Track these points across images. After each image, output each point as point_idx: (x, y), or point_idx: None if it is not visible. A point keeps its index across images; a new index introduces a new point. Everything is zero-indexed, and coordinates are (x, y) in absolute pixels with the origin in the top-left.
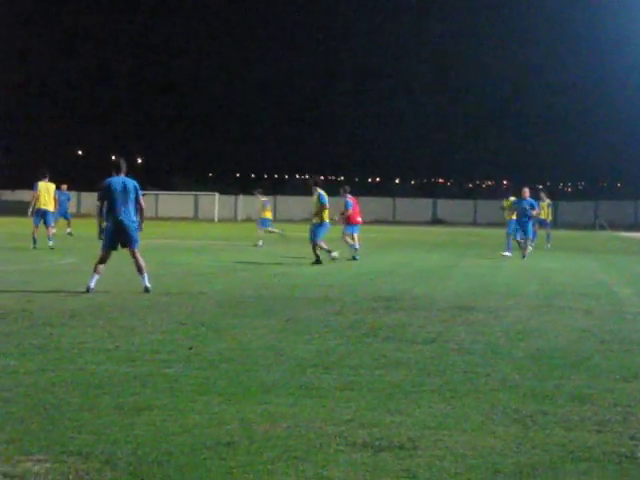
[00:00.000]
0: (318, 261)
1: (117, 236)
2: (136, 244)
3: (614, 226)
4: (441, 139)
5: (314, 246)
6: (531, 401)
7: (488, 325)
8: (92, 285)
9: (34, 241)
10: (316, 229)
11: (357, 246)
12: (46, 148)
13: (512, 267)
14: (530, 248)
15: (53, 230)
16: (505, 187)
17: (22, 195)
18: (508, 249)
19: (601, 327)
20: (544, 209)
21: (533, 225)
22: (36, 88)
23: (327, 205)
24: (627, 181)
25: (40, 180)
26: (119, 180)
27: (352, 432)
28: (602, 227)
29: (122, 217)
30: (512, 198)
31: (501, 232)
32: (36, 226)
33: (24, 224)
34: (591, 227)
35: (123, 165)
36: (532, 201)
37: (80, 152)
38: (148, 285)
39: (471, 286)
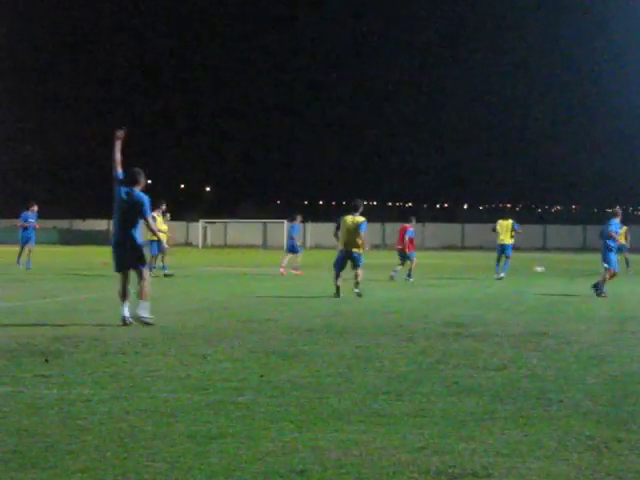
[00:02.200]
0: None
1: (120, 255)
2: (140, 266)
3: None
4: (507, 163)
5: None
6: (605, 427)
7: (560, 351)
8: (125, 314)
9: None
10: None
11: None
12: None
13: (582, 292)
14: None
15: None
16: (574, 211)
17: (93, 224)
18: (503, 271)
19: None
20: (621, 235)
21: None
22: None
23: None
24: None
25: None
26: (127, 192)
27: (425, 459)
28: None
29: (120, 234)
30: (500, 221)
31: (569, 258)
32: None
33: (95, 252)
34: None
35: (139, 176)
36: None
37: (149, 181)
38: (143, 315)
39: (542, 311)
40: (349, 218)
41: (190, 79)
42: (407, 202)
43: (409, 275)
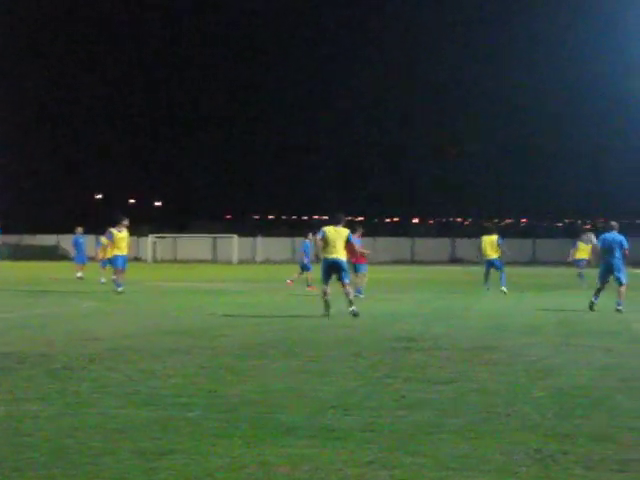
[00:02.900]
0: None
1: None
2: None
3: (636, 263)
4: (458, 178)
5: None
6: (552, 441)
7: (508, 364)
8: None
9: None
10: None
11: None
12: (64, 191)
13: (530, 305)
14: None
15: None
16: (524, 225)
17: (43, 240)
18: (503, 284)
19: (621, 365)
20: (586, 250)
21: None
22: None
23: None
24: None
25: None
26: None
27: (373, 474)
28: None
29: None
30: (484, 237)
31: (518, 271)
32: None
33: (45, 268)
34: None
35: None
36: (622, 238)
37: (100, 196)
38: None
39: (491, 325)
40: (332, 229)
41: (138, 92)
42: (358, 216)
43: (359, 291)
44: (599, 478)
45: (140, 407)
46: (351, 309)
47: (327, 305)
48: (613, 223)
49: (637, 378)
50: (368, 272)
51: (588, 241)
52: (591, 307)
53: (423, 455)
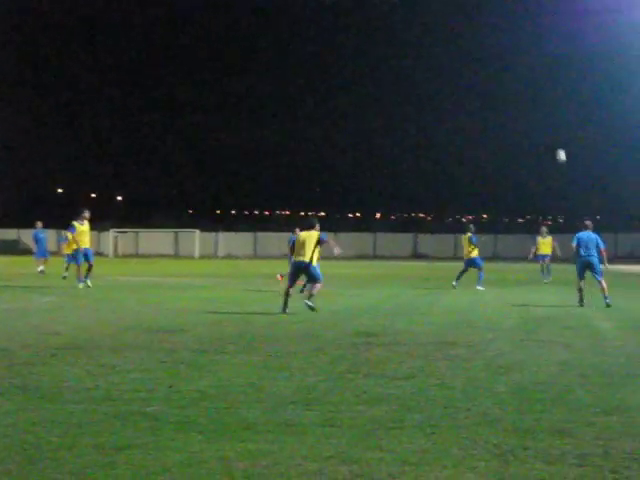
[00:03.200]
0: None
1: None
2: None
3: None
4: (420, 174)
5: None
6: (512, 436)
7: (469, 360)
8: None
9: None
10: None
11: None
12: (24, 186)
13: (492, 301)
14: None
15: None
16: (485, 221)
17: (3, 234)
18: (479, 283)
19: (581, 360)
20: (547, 244)
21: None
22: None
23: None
24: (607, 214)
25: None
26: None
27: (333, 469)
28: None
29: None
30: (463, 235)
31: (486, 267)
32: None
33: (5, 262)
34: (570, 260)
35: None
36: (597, 236)
37: (60, 190)
38: None
39: (452, 320)
40: (303, 234)
41: (99, 86)
42: (320, 211)
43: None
44: (558, 472)
45: (99, 402)
46: (308, 302)
47: (285, 303)
48: (588, 222)
49: (596, 374)
50: (330, 268)
51: (544, 234)
52: (581, 303)
53: (383, 450)
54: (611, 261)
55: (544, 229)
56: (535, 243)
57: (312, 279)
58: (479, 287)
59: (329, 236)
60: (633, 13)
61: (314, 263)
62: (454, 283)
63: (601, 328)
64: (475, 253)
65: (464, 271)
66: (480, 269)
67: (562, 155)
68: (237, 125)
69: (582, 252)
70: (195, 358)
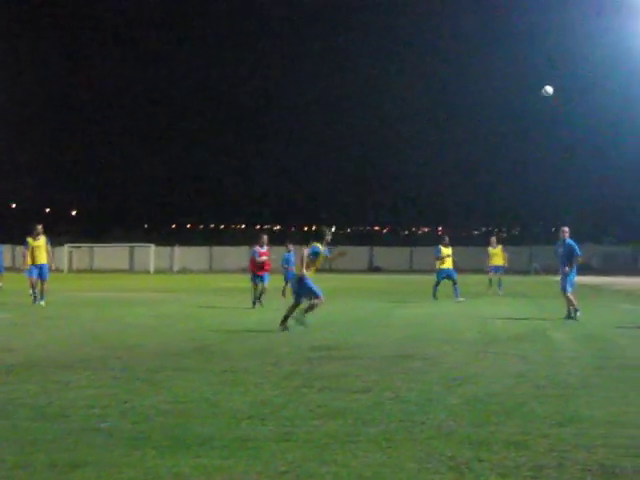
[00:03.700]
0: None
1: None
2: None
3: (549, 270)
4: (375, 187)
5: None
6: (467, 448)
7: (424, 372)
8: None
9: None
10: None
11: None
12: None
13: (449, 314)
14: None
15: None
16: (440, 233)
17: None
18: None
19: (536, 372)
20: (498, 254)
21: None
22: None
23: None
24: (560, 226)
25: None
26: None
27: None
28: (537, 272)
29: None
30: (441, 247)
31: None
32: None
33: None
34: (526, 272)
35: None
36: (574, 243)
37: (14, 205)
38: None
39: (408, 334)
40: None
41: (51, 99)
42: (275, 225)
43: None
44: None
45: (54, 419)
46: (302, 319)
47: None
48: (565, 229)
49: (551, 385)
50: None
51: (494, 244)
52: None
53: (338, 464)
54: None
55: (493, 239)
56: (487, 254)
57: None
58: (459, 299)
59: (307, 255)
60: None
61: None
62: (459, 299)
63: (556, 340)
64: (445, 264)
65: (438, 283)
66: (454, 281)
67: (549, 90)
68: (191, 138)
69: (562, 261)
70: (150, 374)
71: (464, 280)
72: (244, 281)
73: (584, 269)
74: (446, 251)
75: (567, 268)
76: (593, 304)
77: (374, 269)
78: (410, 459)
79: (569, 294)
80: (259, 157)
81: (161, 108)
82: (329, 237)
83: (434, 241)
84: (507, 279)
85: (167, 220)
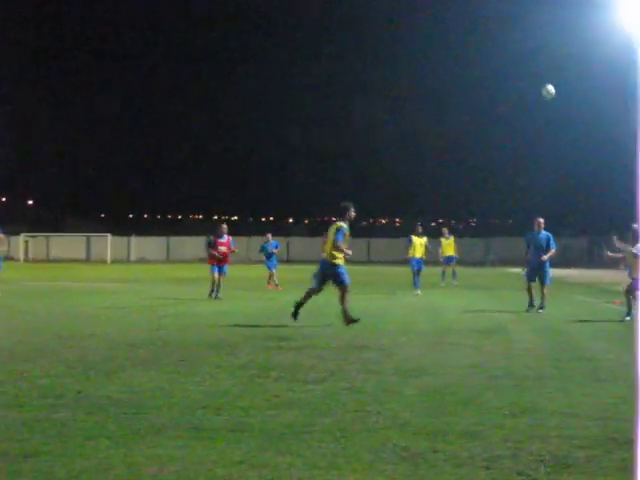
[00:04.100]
0: None
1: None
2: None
3: (505, 262)
4: (334, 178)
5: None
6: (421, 439)
7: (380, 363)
8: None
9: None
10: None
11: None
12: None
13: (405, 305)
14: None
15: None
16: (398, 224)
17: None
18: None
19: (492, 363)
20: (451, 245)
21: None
22: None
23: None
24: (518, 218)
25: None
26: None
27: (242, 474)
28: (493, 263)
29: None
30: (413, 236)
31: (394, 270)
32: None
33: None
34: (482, 263)
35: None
36: (549, 235)
37: None
38: None
39: (364, 324)
40: (331, 226)
41: (10, 85)
42: (233, 215)
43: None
44: (467, 475)
45: (7, 408)
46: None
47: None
48: (541, 220)
49: (506, 376)
50: (242, 271)
51: (447, 235)
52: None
53: (292, 454)
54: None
55: (445, 230)
56: (440, 245)
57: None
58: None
59: (340, 240)
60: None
61: (335, 262)
62: (440, 284)
63: (512, 331)
64: (417, 254)
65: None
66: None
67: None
68: (149, 130)
69: (535, 252)
70: (105, 364)
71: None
72: (201, 271)
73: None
74: (418, 241)
75: (545, 257)
76: (550, 297)
77: None
78: (365, 449)
79: (547, 286)
80: (216, 147)
81: (118, 95)
82: (353, 213)
83: (392, 233)
84: (463, 270)
85: (124, 210)
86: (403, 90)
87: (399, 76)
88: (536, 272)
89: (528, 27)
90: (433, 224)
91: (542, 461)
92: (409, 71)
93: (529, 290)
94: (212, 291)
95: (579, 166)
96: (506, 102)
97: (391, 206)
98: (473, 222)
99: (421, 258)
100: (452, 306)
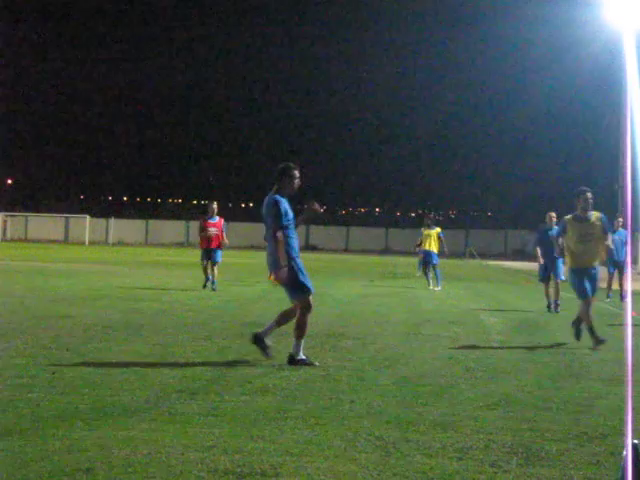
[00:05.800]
0: None
1: None
2: None
3: (484, 255)
4: (314, 166)
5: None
6: (394, 428)
7: (355, 352)
8: None
9: None
10: None
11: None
12: None
13: (382, 295)
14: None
15: None
16: (378, 214)
17: None
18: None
19: (467, 355)
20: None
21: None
22: None
23: None
24: (497, 211)
25: None
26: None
27: (214, 459)
28: (472, 256)
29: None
30: (422, 229)
31: (371, 260)
32: None
33: None
34: (461, 255)
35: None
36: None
37: None
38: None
39: (341, 313)
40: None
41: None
42: (213, 200)
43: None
44: (439, 465)
45: None
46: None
47: None
48: (552, 214)
49: (481, 368)
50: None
51: (431, 226)
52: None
53: (265, 440)
54: (504, 257)
55: (428, 220)
56: (420, 235)
57: None
58: (437, 287)
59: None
60: None
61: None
62: (432, 286)
63: (487, 323)
64: (426, 246)
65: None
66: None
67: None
68: (132, 113)
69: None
70: (80, 345)
71: (398, 261)
72: (179, 254)
73: (520, 255)
74: (427, 232)
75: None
76: (526, 289)
77: (310, 247)
78: (337, 437)
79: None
80: (197, 131)
81: (100, 79)
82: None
83: (370, 221)
84: (442, 262)
85: (104, 192)
86: (386, 80)
87: (381, 69)
88: (548, 269)
89: (519, 21)
90: (413, 215)
91: (514, 453)
92: (393, 62)
93: (547, 293)
94: (206, 281)
95: (564, 159)
96: (490, 94)
97: (370, 195)
98: (453, 214)
99: (430, 250)
100: (429, 296)
